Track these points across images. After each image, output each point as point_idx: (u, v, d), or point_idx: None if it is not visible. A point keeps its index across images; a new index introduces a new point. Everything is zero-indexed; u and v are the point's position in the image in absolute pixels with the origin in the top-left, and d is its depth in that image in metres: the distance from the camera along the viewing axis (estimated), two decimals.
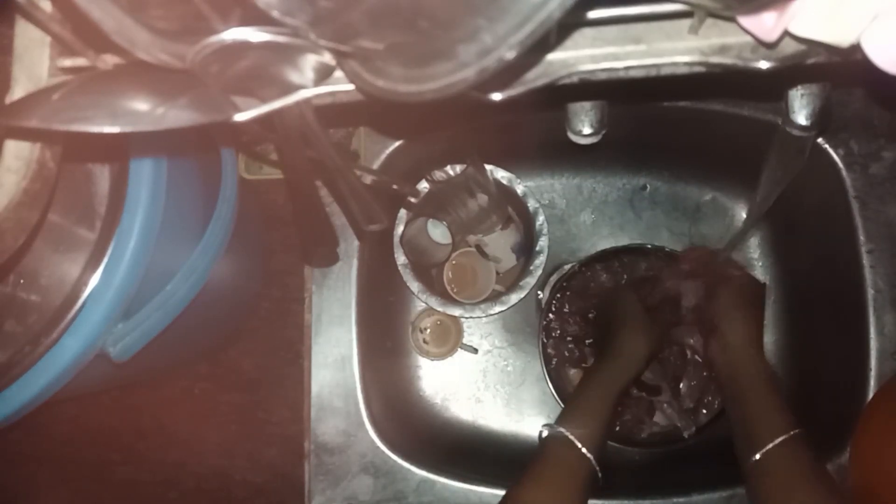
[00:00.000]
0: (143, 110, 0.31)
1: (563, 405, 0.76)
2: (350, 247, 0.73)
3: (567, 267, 0.84)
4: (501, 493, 0.56)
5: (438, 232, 0.82)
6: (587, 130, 0.56)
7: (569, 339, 0.81)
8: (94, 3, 0.30)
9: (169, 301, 0.65)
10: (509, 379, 0.86)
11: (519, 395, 0.85)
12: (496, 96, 0.36)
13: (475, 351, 0.86)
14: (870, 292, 0.66)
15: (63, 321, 0.55)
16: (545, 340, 0.80)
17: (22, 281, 0.62)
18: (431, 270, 0.87)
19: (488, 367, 0.86)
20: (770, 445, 0.56)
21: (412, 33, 0.29)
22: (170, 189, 0.60)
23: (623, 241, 0.85)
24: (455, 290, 0.84)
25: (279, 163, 0.80)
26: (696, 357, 0.78)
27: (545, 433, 0.59)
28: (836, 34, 0.32)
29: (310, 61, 0.34)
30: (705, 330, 0.71)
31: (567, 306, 0.81)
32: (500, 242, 0.87)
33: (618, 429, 0.77)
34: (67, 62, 0.39)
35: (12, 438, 1.25)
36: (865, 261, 0.66)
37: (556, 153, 0.83)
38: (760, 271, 0.84)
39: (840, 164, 0.67)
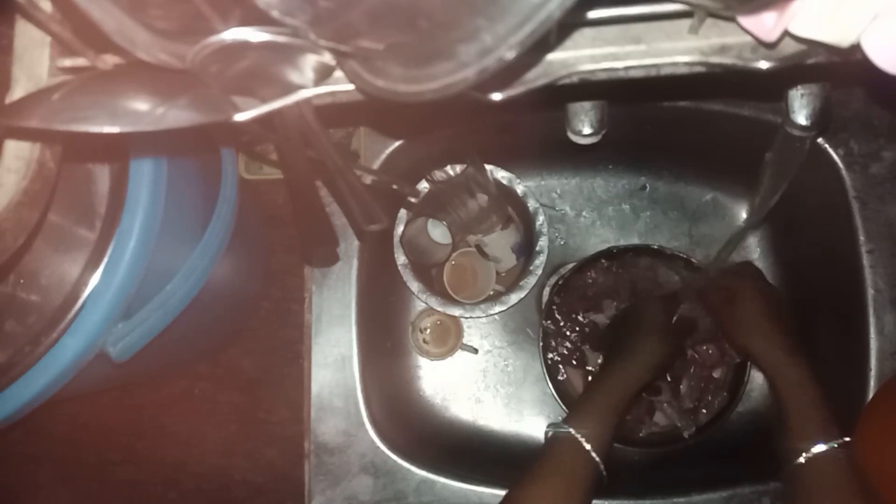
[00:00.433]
0: (143, 110, 0.31)
1: (563, 405, 0.76)
2: (350, 247, 0.73)
3: (567, 267, 0.84)
4: (502, 493, 0.56)
5: (438, 232, 0.82)
6: (587, 130, 0.56)
7: (569, 339, 0.81)
8: (94, 3, 0.30)
9: (169, 301, 0.65)
10: (509, 379, 0.86)
11: (519, 395, 0.85)
12: (496, 96, 0.36)
13: (475, 351, 0.86)
14: (870, 292, 0.66)
15: (63, 321, 0.55)
16: (545, 341, 0.80)
17: (22, 281, 0.62)
18: (431, 270, 0.87)
19: (488, 367, 0.86)
20: (817, 450, 0.54)
21: (412, 33, 0.29)
22: (170, 189, 0.60)
23: (623, 241, 0.85)
24: (455, 291, 0.84)
25: (279, 163, 0.80)
26: (697, 357, 0.78)
27: (551, 433, 0.58)
28: (836, 34, 0.32)
29: (310, 61, 0.34)
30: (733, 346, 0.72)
31: (567, 306, 0.81)
32: (500, 242, 0.87)
33: None
34: (67, 62, 0.39)
35: (12, 438, 1.25)
36: (865, 261, 0.66)
37: (556, 153, 0.83)
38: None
39: (840, 164, 0.67)
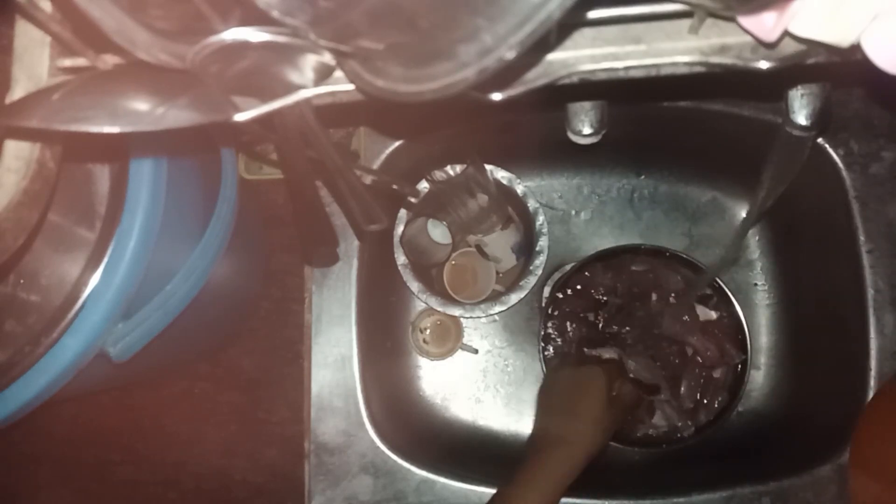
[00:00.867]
0: (143, 110, 0.31)
1: None
2: (350, 247, 0.73)
3: (567, 267, 0.84)
4: None
5: (438, 232, 0.82)
6: (587, 130, 0.56)
7: (569, 339, 0.81)
8: (94, 3, 0.30)
9: (169, 301, 0.65)
10: (509, 379, 0.86)
11: (519, 395, 0.85)
12: (496, 96, 0.36)
13: (475, 351, 0.86)
14: (870, 292, 0.66)
15: (63, 321, 0.55)
16: (545, 341, 0.80)
17: (22, 281, 0.62)
18: (431, 270, 0.87)
19: (488, 367, 0.86)
20: None
21: (412, 33, 0.29)
22: (170, 189, 0.60)
23: (623, 241, 0.85)
24: (455, 291, 0.84)
25: (279, 163, 0.80)
26: (697, 357, 0.78)
27: None
28: (836, 34, 0.32)
29: (310, 61, 0.34)
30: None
31: (567, 306, 0.81)
32: (500, 242, 0.87)
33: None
34: (67, 62, 0.39)
35: (12, 438, 1.25)
36: (865, 261, 0.66)
37: (556, 153, 0.83)
38: (760, 271, 0.84)
39: (840, 164, 0.67)
